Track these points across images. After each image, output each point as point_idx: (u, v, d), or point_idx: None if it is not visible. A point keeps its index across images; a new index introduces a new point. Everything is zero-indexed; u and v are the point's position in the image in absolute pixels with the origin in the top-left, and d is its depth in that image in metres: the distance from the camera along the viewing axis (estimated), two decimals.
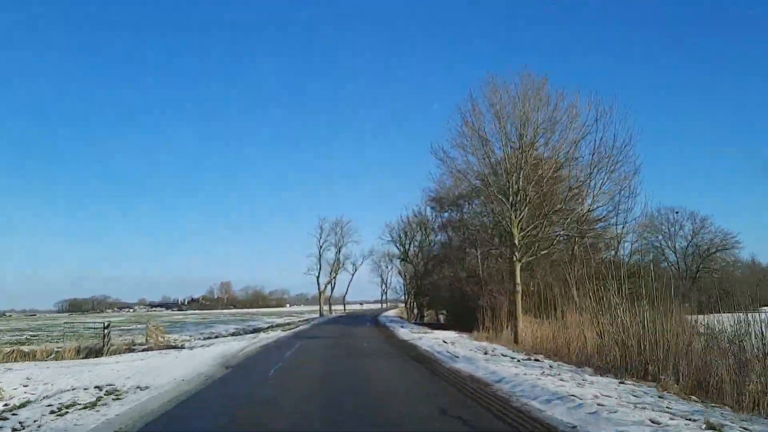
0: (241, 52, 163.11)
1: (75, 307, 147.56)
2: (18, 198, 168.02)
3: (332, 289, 73.50)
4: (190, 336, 31.74)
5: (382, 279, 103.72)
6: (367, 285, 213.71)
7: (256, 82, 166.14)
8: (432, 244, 45.11)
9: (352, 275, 77.91)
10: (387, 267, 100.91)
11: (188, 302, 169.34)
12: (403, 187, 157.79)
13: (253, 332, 40.81)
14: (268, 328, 47.22)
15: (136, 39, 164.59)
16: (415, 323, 38.26)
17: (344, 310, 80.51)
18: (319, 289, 67.73)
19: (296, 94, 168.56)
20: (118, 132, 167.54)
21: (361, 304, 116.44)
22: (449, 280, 32.25)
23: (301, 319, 61.52)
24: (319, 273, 67.59)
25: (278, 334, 25.78)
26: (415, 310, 52.92)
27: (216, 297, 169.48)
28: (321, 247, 68.11)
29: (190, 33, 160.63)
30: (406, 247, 53.23)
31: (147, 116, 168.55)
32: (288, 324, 46.82)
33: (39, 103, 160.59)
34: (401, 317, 51.84)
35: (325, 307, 70.07)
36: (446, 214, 35.81)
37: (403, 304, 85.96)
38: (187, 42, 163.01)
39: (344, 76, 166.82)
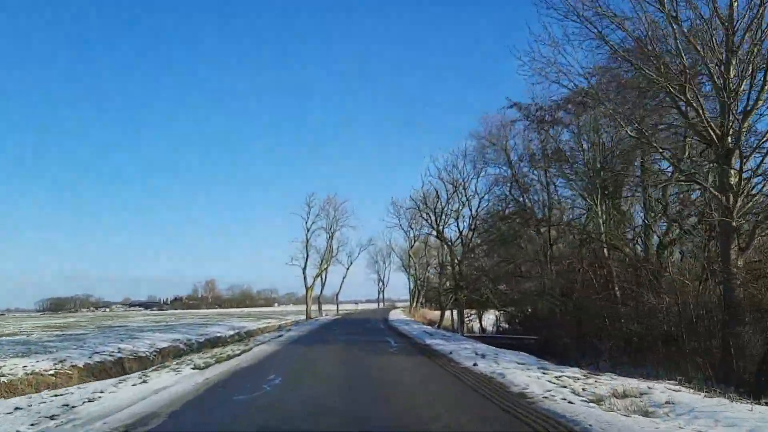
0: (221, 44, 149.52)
1: (56, 306, 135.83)
2: (9, 196, 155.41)
3: (323, 284, 57.89)
4: (57, 361, 16.95)
5: (379, 276, 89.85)
6: (364, 282, 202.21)
7: (248, 72, 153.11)
8: (477, 211, 30.63)
9: (347, 268, 63.15)
10: (385, 262, 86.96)
11: (171, 301, 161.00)
12: (401, 179, 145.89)
13: (200, 344, 26.86)
14: (227, 338, 32.92)
15: (118, 30, 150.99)
16: (465, 336, 23.16)
17: (337, 311, 65.09)
18: (306, 284, 52.27)
19: (287, 83, 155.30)
20: (107, 131, 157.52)
21: (356, 303, 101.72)
22: (533, 263, 17.77)
23: (283, 322, 46.92)
24: (305, 264, 52.02)
25: (175, 385, 9.78)
26: (442, 312, 37.69)
27: (200, 296, 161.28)
28: (308, 230, 52.25)
29: (177, 18, 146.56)
30: (437, 219, 37.71)
31: (134, 115, 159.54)
32: (249, 335, 32.50)
33: (28, 101, 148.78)
34: (427, 323, 35.76)
35: (314, 307, 55.07)
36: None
37: (409, 304, 71.70)
38: (170, 30, 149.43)
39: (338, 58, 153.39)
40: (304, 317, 51.37)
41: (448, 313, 35.89)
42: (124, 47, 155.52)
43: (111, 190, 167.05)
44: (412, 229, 53.58)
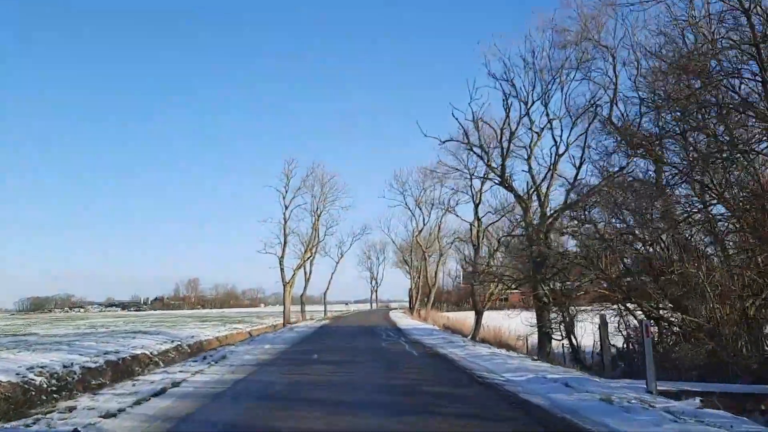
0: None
1: (35, 306, 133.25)
2: None
3: (307, 279, 45.36)
4: None
5: (372, 273, 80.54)
6: (353, 282, 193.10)
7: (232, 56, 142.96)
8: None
9: (337, 262, 51.79)
10: (378, 258, 77.34)
11: (152, 302, 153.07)
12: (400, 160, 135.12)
13: (86, 372, 15.65)
14: (154, 355, 21.54)
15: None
16: (657, 394, 6.85)
17: (325, 313, 52.86)
18: (283, 278, 39.45)
19: (273, 66, 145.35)
20: (91, 127, 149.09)
21: (346, 304, 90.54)
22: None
23: (254, 328, 35.61)
24: (283, 251, 39.57)
25: None
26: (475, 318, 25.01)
27: (182, 296, 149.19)
28: (287, 207, 39.91)
29: None
30: (504, 153, 21.81)
31: (120, 112, 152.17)
32: (198, 350, 20.94)
33: (19, 99, 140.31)
34: (443, 329, 22.90)
35: (296, 308, 43.30)
36: None
37: (409, 304, 60.33)
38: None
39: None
40: (281, 320, 39.55)
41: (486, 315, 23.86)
42: (104, 33, 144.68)
43: (100, 189, 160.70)
44: (419, 207, 42.44)
